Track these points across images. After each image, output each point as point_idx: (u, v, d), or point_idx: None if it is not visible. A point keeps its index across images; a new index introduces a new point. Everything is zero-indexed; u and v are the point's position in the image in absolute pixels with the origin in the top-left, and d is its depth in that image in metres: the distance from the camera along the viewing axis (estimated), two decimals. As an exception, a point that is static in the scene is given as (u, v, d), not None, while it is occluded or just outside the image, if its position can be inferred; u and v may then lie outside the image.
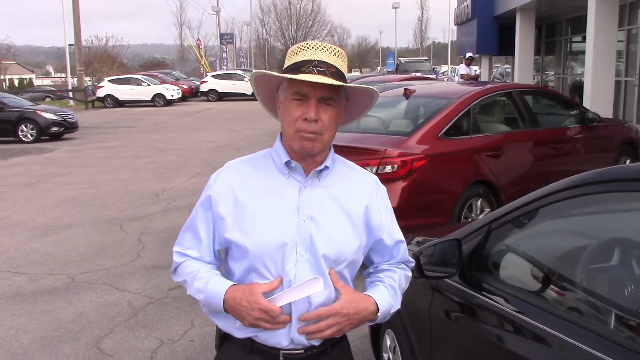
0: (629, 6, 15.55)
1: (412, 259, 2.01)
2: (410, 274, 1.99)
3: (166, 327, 4.72)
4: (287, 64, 1.79)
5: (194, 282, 1.80)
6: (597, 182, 2.17)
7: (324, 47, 1.78)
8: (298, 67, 1.73)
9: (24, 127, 18.24)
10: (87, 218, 8.37)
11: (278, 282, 1.73)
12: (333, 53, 1.77)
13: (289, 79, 1.72)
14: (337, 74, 1.73)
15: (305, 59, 1.75)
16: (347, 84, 1.75)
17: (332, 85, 1.70)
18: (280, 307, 1.70)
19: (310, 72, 1.70)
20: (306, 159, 1.80)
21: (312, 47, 1.78)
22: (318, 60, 1.74)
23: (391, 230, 1.91)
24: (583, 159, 7.32)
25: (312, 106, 1.71)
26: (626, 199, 2.14)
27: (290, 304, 1.73)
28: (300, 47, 1.79)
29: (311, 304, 1.75)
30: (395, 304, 1.87)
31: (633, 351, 1.80)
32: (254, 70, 1.85)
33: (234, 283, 1.77)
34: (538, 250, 2.55)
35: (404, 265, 1.96)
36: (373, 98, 1.85)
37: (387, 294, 1.83)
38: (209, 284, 1.76)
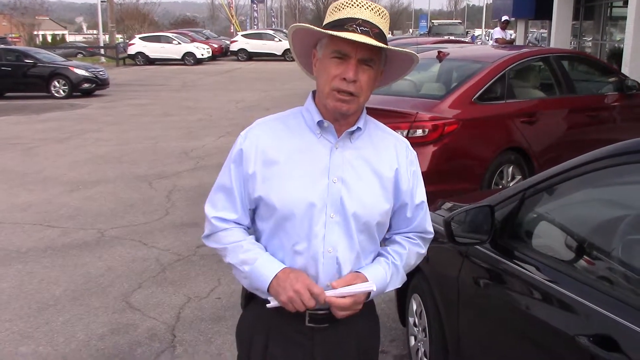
0: (675, -30, 14.94)
1: (431, 230, 1.95)
2: (424, 250, 1.94)
3: (193, 284, 4.78)
4: (328, 20, 1.73)
5: (239, 253, 1.77)
6: (637, 152, 2.09)
7: (369, 5, 1.71)
8: (341, 24, 1.67)
9: (56, 82, 18.41)
10: (117, 174, 8.47)
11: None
12: (377, 13, 1.71)
13: (330, 36, 1.66)
14: (379, 35, 1.67)
15: (349, 16, 1.68)
16: (390, 47, 1.69)
17: (374, 47, 1.64)
18: (322, 289, 1.71)
19: (353, 31, 1.64)
20: (339, 119, 1.76)
21: (357, 5, 1.70)
22: (362, 20, 1.67)
23: (415, 195, 1.87)
24: (620, 128, 7.12)
25: (352, 66, 1.66)
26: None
27: (317, 264, 1.73)
28: (344, 3, 1.72)
29: (341, 267, 1.75)
30: (393, 283, 1.84)
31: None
32: (293, 24, 1.79)
33: (287, 266, 1.75)
34: (573, 220, 2.49)
35: (418, 241, 1.91)
36: (413, 63, 1.79)
37: (383, 273, 1.81)
38: (258, 260, 1.74)
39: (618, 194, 2.42)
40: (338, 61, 1.68)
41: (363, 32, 1.64)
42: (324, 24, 1.74)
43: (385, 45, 1.66)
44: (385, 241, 1.93)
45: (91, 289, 4.71)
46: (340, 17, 1.69)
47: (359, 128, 1.78)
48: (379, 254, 1.87)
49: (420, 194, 1.89)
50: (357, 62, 1.67)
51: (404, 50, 1.74)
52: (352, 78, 1.66)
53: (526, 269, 2.33)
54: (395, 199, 1.83)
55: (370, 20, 1.68)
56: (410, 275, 3.35)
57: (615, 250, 2.21)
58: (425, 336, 3.21)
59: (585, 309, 1.99)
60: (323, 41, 1.72)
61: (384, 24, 1.72)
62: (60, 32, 60.55)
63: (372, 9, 1.71)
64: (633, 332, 1.78)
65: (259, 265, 1.74)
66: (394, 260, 1.85)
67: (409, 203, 1.86)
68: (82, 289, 4.72)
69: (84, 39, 58.19)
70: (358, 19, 1.67)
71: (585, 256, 2.34)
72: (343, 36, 1.62)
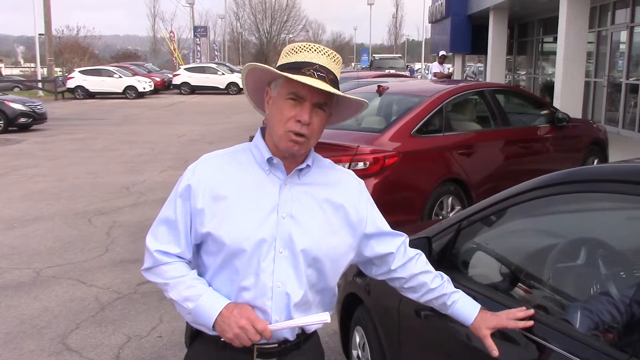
0: (599, 8, 15.81)
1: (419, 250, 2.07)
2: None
3: (134, 322, 4.66)
4: (284, 60, 1.78)
5: (182, 289, 1.75)
6: (566, 183, 2.19)
7: (326, 51, 1.77)
8: (298, 67, 1.72)
9: (-10, 117, 17.85)
10: (54, 211, 8.24)
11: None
12: (333, 59, 1.77)
13: (287, 77, 1.69)
14: (334, 81, 1.74)
15: (306, 60, 1.74)
16: (344, 94, 1.76)
17: (328, 92, 1.70)
18: (267, 323, 1.71)
19: (310, 75, 1.69)
20: (288, 157, 1.79)
21: (314, 50, 1.76)
22: (319, 65, 1.73)
23: (379, 221, 1.95)
24: (552, 158, 7.42)
25: (306, 109, 1.71)
26: (593, 199, 2.17)
27: (265, 299, 1.73)
28: (302, 47, 1.78)
29: (290, 301, 1.75)
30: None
31: (598, 350, 1.82)
32: (250, 62, 1.83)
33: (230, 301, 1.74)
34: (507, 249, 2.57)
35: (430, 268, 2.07)
36: (362, 108, 1.87)
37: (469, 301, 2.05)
38: (202, 297, 1.73)
39: (548, 223, 2.52)
40: (293, 103, 1.72)
41: (319, 77, 1.70)
42: (279, 64, 1.79)
43: (340, 93, 1.73)
44: (403, 281, 2.04)
45: (26, 331, 4.53)
46: (298, 60, 1.74)
47: (308, 165, 1.82)
48: (453, 299, 2.04)
49: (383, 221, 1.97)
50: (312, 105, 1.72)
51: (356, 98, 1.82)
52: (307, 121, 1.71)
53: (463, 299, 2.37)
54: (351, 232, 1.86)
55: (327, 66, 1.74)
56: (353, 307, 3.38)
57: (547, 278, 2.29)
58: (369, 368, 3.22)
59: (520, 337, 2.04)
60: (278, 81, 1.76)
61: (337, 70, 1.78)
62: (-5, 65, 58.97)
63: (328, 54, 1.77)
64: (565, 359, 1.84)
65: (203, 303, 1.73)
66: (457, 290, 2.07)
67: (382, 230, 1.94)
68: (16, 331, 4.53)
69: (21, 72, 56.78)
70: (315, 64, 1.73)
71: (519, 284, 2.41)
72: (302, 80, 1.66)
